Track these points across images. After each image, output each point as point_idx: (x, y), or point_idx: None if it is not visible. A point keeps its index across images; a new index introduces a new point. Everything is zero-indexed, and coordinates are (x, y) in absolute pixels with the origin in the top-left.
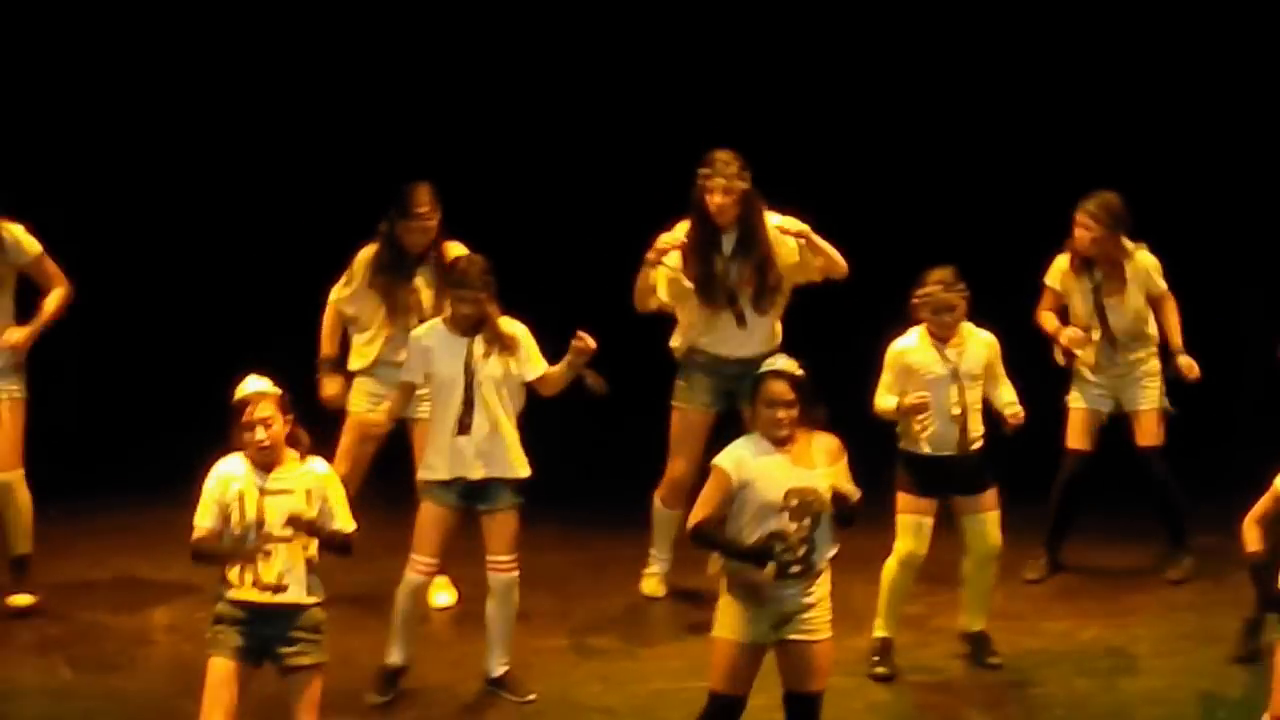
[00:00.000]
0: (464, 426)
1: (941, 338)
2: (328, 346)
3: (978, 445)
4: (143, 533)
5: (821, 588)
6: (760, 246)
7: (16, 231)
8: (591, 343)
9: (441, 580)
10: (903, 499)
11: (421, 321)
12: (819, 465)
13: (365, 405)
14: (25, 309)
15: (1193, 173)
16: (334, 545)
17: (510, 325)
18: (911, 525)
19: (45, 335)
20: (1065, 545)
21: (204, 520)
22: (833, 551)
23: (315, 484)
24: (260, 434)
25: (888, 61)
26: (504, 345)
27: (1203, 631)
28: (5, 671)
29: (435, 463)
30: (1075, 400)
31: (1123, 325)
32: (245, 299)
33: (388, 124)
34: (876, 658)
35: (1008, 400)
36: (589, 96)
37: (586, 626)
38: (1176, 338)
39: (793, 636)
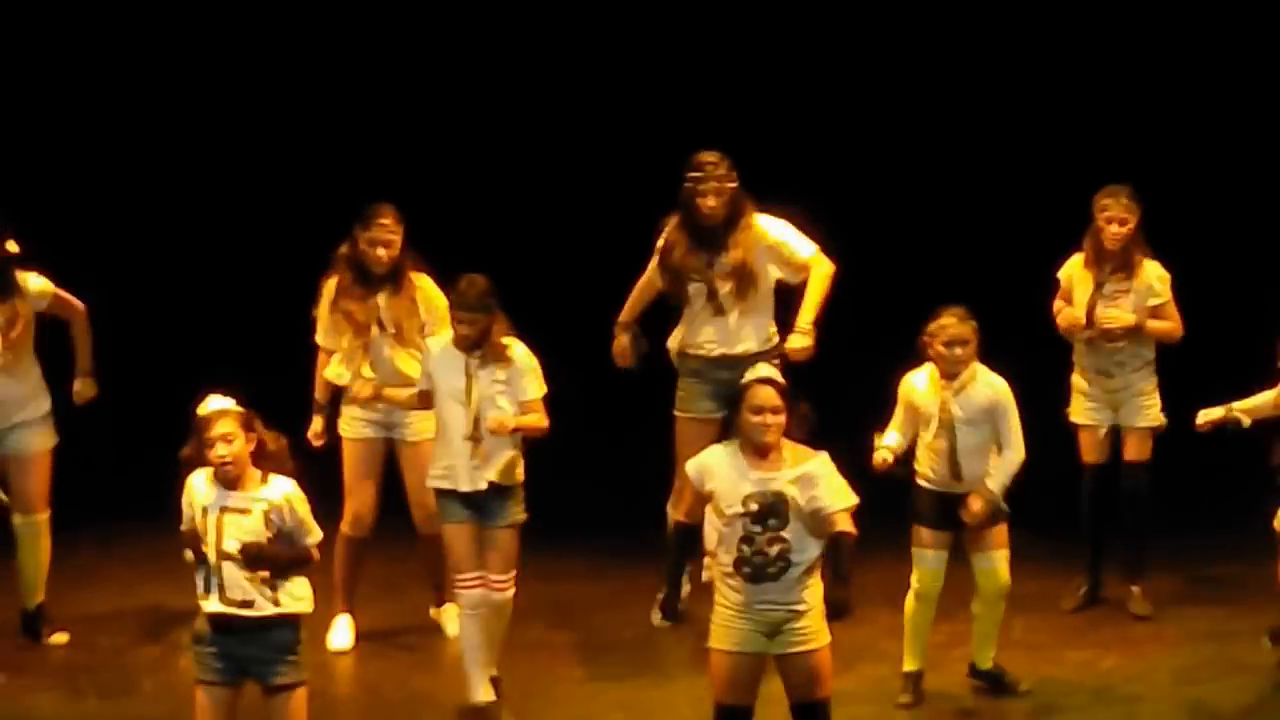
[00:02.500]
0: (475, 439)
1: (950, 374)
2: (319, 392)
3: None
4: (171, 560)
5: (812, 595)
6: (744, 245)
7: (30, 280)
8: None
9: (450, 610)
10: (915, 532)
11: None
12: (787, 468)
13: (352, 431)
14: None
15: (1192, 189)
16: (292, 564)
17: (511, 346)
18: (923, 558)
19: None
20: (1104, 572)
21: (187, 525)
22: (814, 551)
23: (274, 506)
24: (221, 450)
25: (880, 83)
26: (500, 363)
27: (1222, 660)
28: (30, 698)
29: (440, 473)
30: (1075, 415)
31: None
32: (267, 328)
33: (368, 146)
34: (903, 690)
35: (999, 479)
36: (575, 105)
37: (608, 656)
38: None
39: (790, 650)
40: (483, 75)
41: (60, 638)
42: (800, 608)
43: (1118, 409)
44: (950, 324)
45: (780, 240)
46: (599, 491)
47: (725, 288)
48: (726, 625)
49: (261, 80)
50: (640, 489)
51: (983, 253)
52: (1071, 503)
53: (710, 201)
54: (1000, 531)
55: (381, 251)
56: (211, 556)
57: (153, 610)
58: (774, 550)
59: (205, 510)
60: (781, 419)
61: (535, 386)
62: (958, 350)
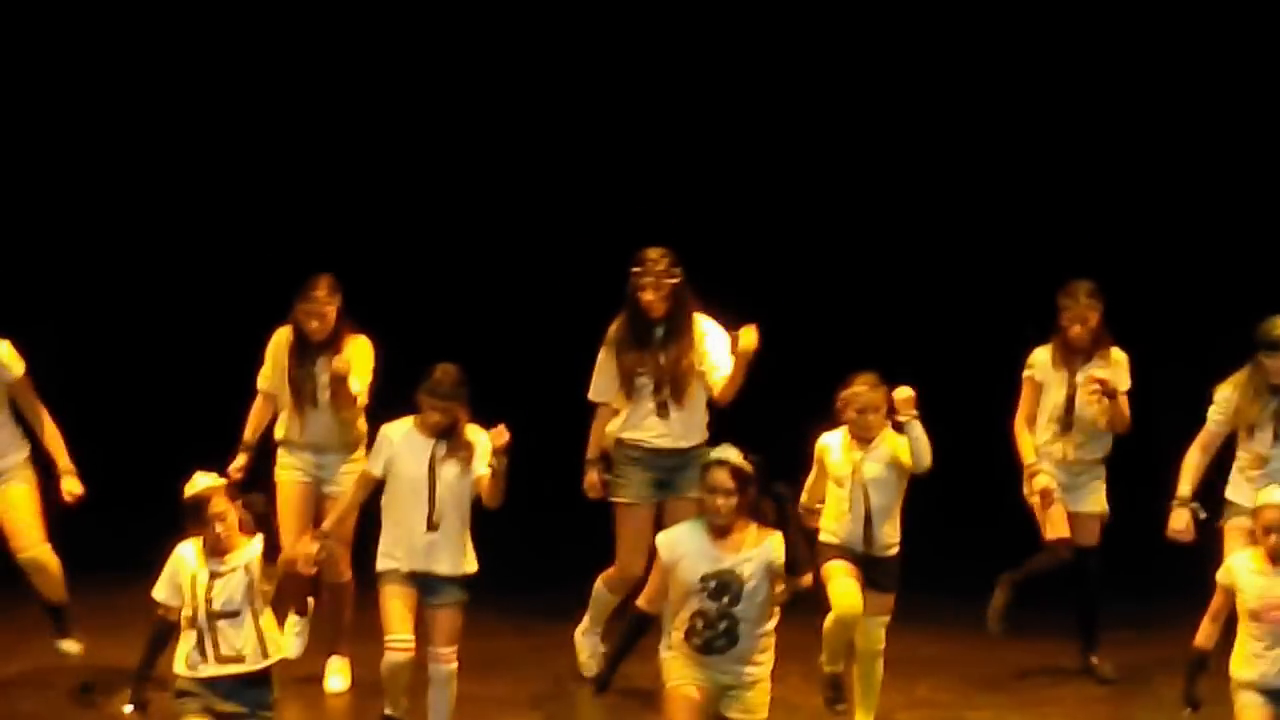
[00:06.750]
0: (432, 525)
1: (863, 439)
2: (249, 433)
3: (892, 551)
4: (114, 613)
5: (761, 669)
6: (684, 341)
7: (3, 351)
8: (504, 434)
9: (340, 663)
10: (827, 569)
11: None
12: (745, 550)
13: (287, 476)
14: None
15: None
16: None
17: (474, 434)
18: (841, 584)
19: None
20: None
21: (159, 593)
22: (762, 629)
23: (250, 563)
24: (219, 529)
25: (827, 165)
26: (464, 453)
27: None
28: None
29: (397, 554)
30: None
31: (1091, 420)
32: (213, 379)
33: (337, 221)
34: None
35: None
36: (532, 191)
37: (537, 711)
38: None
39: (730, 715)
40: (436, 159)
41: (70, 646)
42: (746, 678)
43: (1070, 493)
44: (862, 391)
45: (707, 349)
46: (521, 548)
47: (666, 384)
48: (679, 666)
49: (220, 146)
50: (564, 544)
51: (911, 318)
52: (972, 566)
53: (649, 295)
54: (889, 600)
55: (315, 324)
56: (203, 618)
57: (96, 664)
58: (722, 626)
59: (194, 578)
60: (733, 501)
61: (485, 464)
62: (870, 417)
